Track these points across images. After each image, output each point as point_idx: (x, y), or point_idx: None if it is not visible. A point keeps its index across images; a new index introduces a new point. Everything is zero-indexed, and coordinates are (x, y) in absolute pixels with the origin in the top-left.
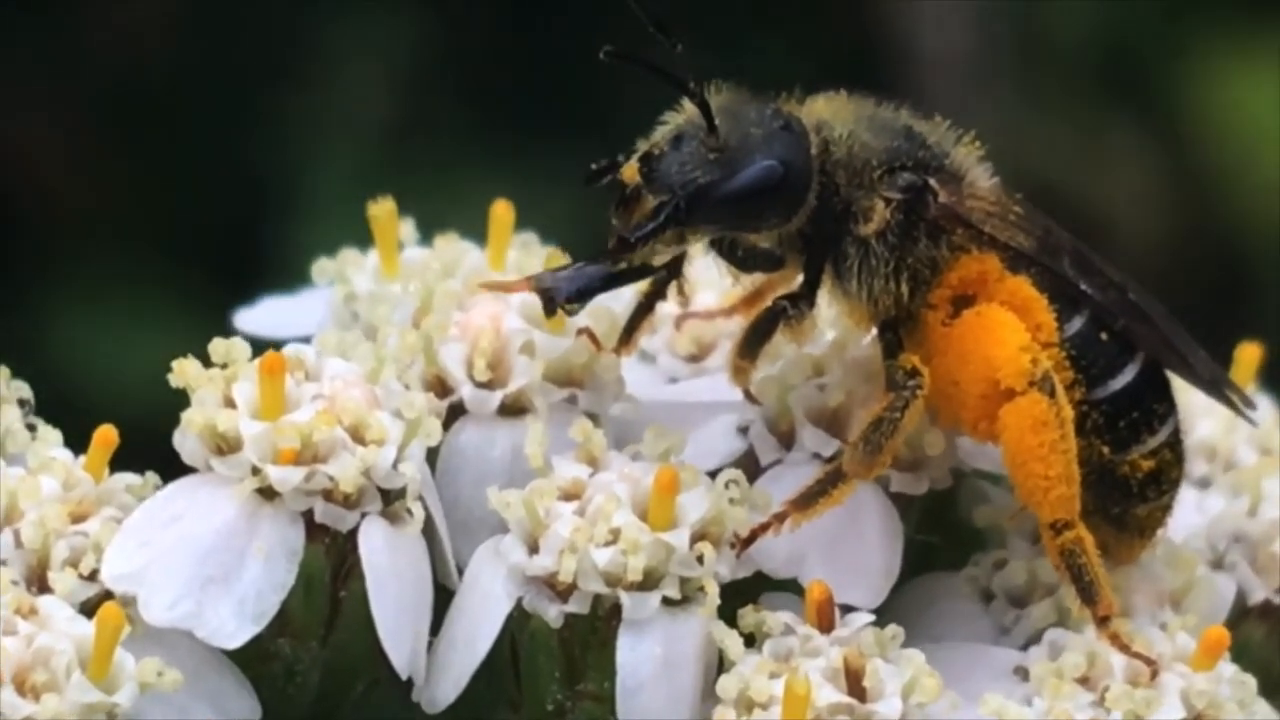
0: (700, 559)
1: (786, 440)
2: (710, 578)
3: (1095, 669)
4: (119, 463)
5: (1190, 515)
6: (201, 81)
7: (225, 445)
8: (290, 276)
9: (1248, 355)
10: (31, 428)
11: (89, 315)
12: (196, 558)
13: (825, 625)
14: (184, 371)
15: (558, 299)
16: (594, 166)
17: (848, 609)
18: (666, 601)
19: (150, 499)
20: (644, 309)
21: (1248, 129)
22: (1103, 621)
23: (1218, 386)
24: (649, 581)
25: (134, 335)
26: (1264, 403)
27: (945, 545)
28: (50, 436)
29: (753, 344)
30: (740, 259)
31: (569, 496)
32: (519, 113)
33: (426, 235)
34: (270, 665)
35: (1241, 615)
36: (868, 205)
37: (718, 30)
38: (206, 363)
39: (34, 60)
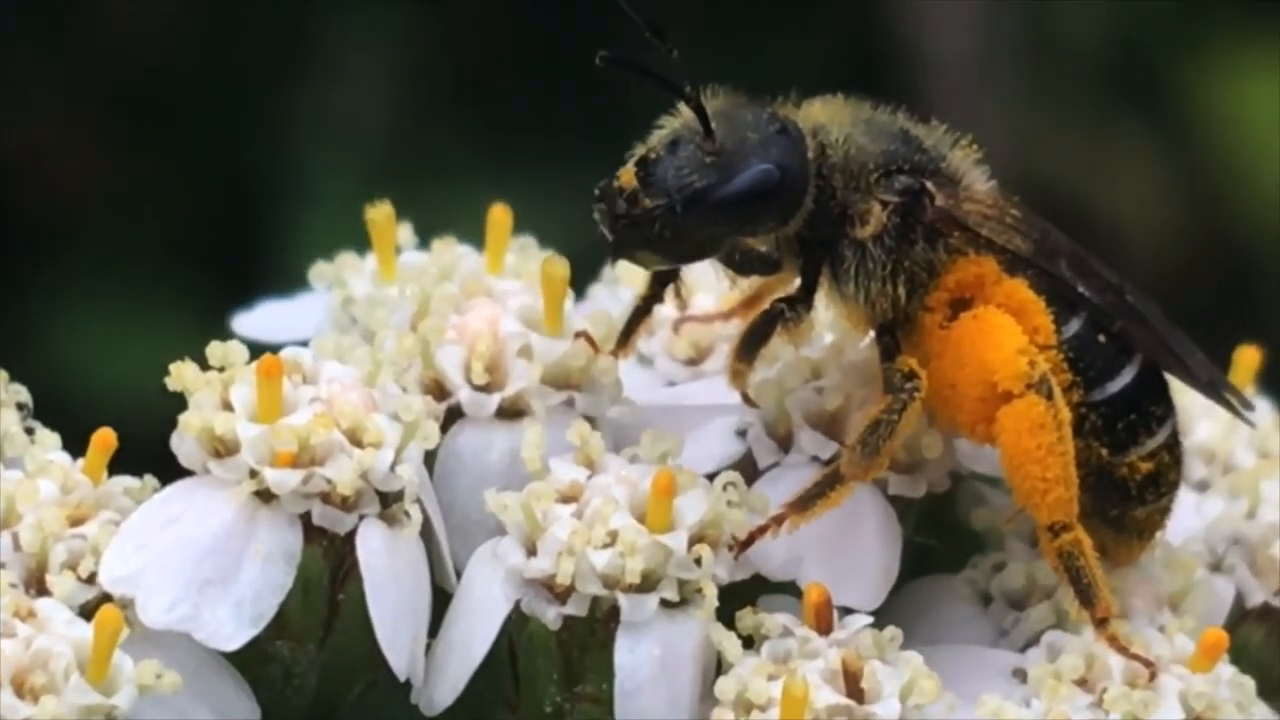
0: (698, 561)
1: (784, 443)
2: (708, 580)
3: (1093, 671)
4: (118, 465)
5: (1189, 518)
6: (201, 81)
7: (223, 448)
8: (291, 276)
9: (1246, 358)
10: (30, 431)
11: (88, 314)
12: (194, 560)
13: (823, 627)
14: (181, 375)
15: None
16: (597, 190)
17: (846, 611)
18: (664, 603)
19: (148, 501)
20: (641, 312)
21: (1257, 130)
22: (1101, 623)
23: (1215, 388)
24: (647, 584)
25: (132, 336)
26: (1263, 405)
27: (943, 548)
28: (48, 440)
29: (750, 347)
30: (737, 262)
31: (567, 499)
32: (520, 111)
33: (428, 234)
34: (268, 667)
35: (1240, 618)
36: (864, 209)
37: (722, 31)
38: (204, 366)
39: (33, 60)
